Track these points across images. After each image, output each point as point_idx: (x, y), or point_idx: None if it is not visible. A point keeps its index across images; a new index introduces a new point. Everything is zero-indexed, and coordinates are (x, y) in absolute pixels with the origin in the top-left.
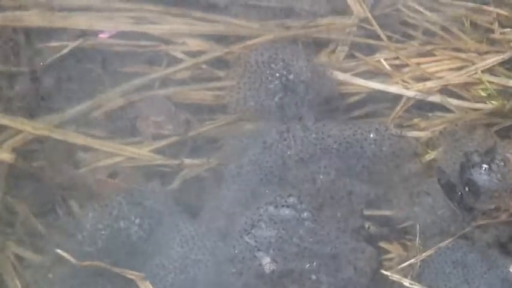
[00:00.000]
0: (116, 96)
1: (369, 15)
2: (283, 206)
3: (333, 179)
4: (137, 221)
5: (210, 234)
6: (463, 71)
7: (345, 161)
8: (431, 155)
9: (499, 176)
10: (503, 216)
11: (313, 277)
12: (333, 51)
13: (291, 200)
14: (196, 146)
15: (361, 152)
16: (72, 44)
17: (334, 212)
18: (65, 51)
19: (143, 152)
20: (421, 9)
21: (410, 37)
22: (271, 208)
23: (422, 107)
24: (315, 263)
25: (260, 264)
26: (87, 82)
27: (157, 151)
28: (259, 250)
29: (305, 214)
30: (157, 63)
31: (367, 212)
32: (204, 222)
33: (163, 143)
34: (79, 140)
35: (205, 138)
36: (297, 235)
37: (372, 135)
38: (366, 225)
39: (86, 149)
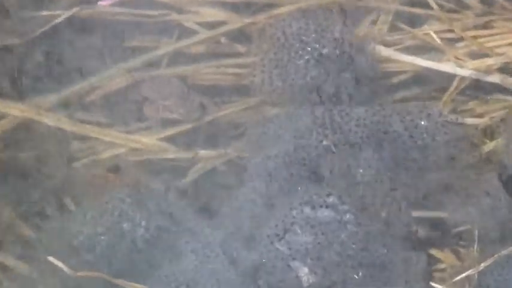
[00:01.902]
0: (118, 75)
1: None
2: (321, 206)
3: (376, 174)
4: (143, 223)
5: (231, 240)
6: None
7: (391, 152)
8: (489, 146)
9: None
10: None
11: None
12: (375, 22)
13: (331, 199)
14: (213, 134)
15: (410, 141)
16: (66, 13)
17: (378, 213)
18: (59, 21)
19: (150, 142)
20: None
21: (466, 6)
22: (307, 209)
23: (479, 89)
24: (360, 274)
25: (296, 276)
26: (84, 58)
27: (167, 140)
28: (294, 259)
29: (347, 216)
30: (167, 35)
31: (415, 213)
32: (224, 224)
33: (174, 130)
34: (74, 127)
35: (224, 125)
36: (338, 241)
37: (423, 122)
38: (414, 229)
39: (83, 138)
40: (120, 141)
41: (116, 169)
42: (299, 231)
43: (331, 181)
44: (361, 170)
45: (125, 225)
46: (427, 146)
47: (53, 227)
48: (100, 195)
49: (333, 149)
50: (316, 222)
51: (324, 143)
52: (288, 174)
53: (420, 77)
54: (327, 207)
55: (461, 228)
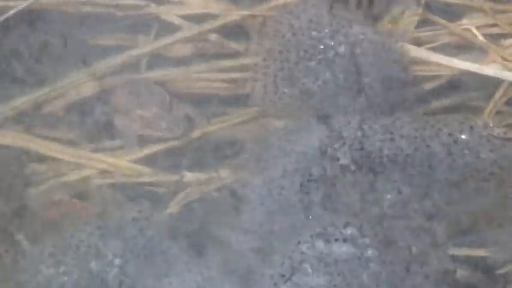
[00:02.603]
0: (84, 81)
1: None
2: (337, 240)
3: (406, 200)
4: (117, 261)
5: (225, 281)
6: None
7: (424, 173)
8: None
9: None
10: None
11: None
12: (402, 14)
13: (349, 231)
14: (202, 153)
15: (448, 160)
16: (20, 4)
17: (407, 249)
18: (10, 13)
19: (124, 163)
20: None
21: None
22: (319, 243)
23: None
24: None
25: None
26: (42, 60)
27: (146, 161)
28: None
29: (369, 252)
30: (144, 32)
31: (453, 250)
32: (216, 262)
33: (153, 149)
34: (31, 144)
35: (216, 142)
36: (358, 283)
37: (463, 137)
38: (452, 269)
39: (41, 158)
40: (87, 162)
41: (81, 196)
42: (309, 270)
43: (350, 209)
44: (388, 196)
45: (94, 264)
46: (468, 165)
47: (4, 267)
48: (62, 227)
49: (352, 169)
50: (330, 259)
51: (341, 162)
52: (296, 201)
53: (459, 82)
54: (344, 240)
55: (507, 269)
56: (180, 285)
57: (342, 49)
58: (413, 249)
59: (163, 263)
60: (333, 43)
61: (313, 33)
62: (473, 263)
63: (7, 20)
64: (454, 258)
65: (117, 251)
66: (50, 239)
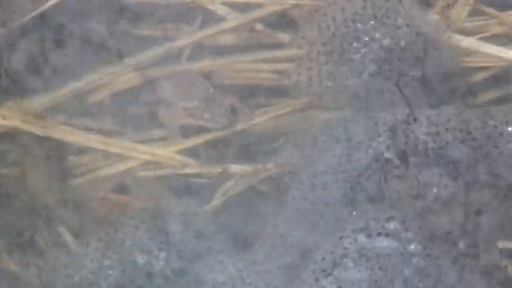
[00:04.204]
0: (127, 71)
1: None
2: (380, 234)
3: (452, 194)
4: (162, 254)
5: (269, 275)
6: None
7: (471, 166)
8: None
9: None
10: None
11: None
12: (451, 4)
13: (392, 225)
14: (247, 145)
15: (496, 153)
16: None
17: (454, 243)
18: (51, 3)
19: (168, 154)
20: None
21: None
22: (361, 237)
23: None
24: None
25: None
26: (84, 50)
27: (189, 153)
28: None
29: (412, 247)
30: (186, 21)
31: (502, 244)
32: (260, 257)
33: (197, 140)
34: (71, 136)
35: (260, 134)
36: (400, 278)
37: (510, 129)
38: (502, 264)
39: (82, 150)
40: (130, 153)
41: (124, 188)
42: (351, 265)
43: (393, 203)
44: (434, 190)
45: (139, 258)
46: None
47: (46, 261)
48: (106, 221)
49: (397, 162)
50: (373, 254)
51: (386, 155)
52: (340, 194)
53: (508, 74)
54: (386, 235)
55: None
56: (225, 279)
57: (387, 41)
58: (460, 244)
59: (208, 256)
60: (377, 35)
61: (358, 25)
62: None
63: (47, 10)
64: (504, 253)
65: (162, 245)
66: (93, 233)
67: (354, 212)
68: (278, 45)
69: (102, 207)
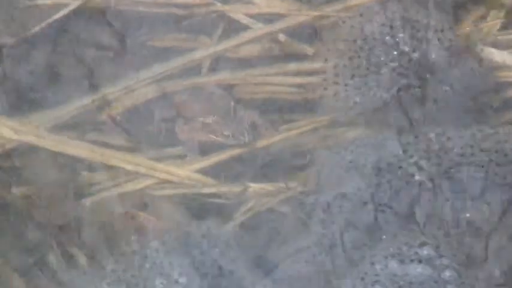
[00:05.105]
0: (143, 85)
1: None
2: (412, 260)
3: (488, 217)
4: (182, 279)
5: None
6: None
7: (508, 189)
8: None
9: None
10: None
11: None
12: (484, 17)
13: (425, 251)
14: (269, 163)
15: None
16: (74, 3)
17: (490, 270)
18: (64, 12)
19: (186, 173)
20: None
21: None
22: (393, 263)
23: None
24: None
25: None
26: (98, 61)
27: (208, 171)
28: None
29: (447, 273)
30: (208, 32)
31: None
32: (284, 281)
33: (216, 158)
34: (85, 151)
35: (283, 152)
36: None
37: None
38: None
39: (96, 166)
40: (146, 171)
41: (141, 207)
42: None
43: (427, 227)
44: (467, 214)
45: (158, 281)
46: None
47: (59, 282)
48: (124, 241)
49: (429, 185)
50: (405, 281)
51: (417, 177)
52: (369, 218)
53: None
54: (419, 261)
55: None
56: None
57: (416, 55)
58: (496, 271)
59: (230, 279)
60: (406, 49)
61: (386, 38)
62: None
63: (59, 19)
64: None
65: (182, 267)
66: (110, 254)
67: (384, 237)
68: (302, 58)
69: (118, 227)
